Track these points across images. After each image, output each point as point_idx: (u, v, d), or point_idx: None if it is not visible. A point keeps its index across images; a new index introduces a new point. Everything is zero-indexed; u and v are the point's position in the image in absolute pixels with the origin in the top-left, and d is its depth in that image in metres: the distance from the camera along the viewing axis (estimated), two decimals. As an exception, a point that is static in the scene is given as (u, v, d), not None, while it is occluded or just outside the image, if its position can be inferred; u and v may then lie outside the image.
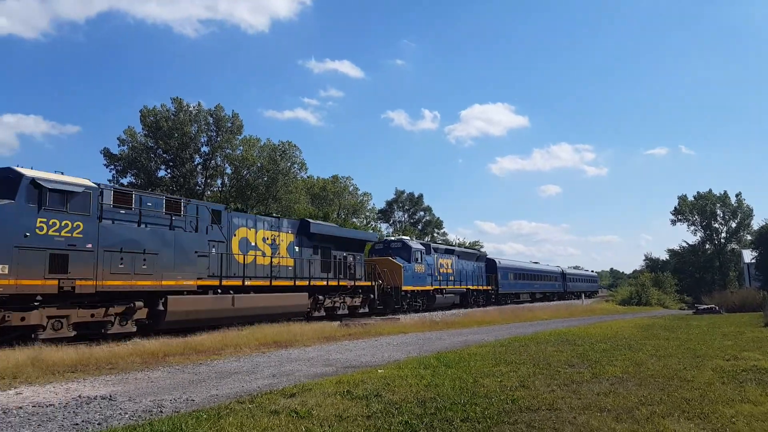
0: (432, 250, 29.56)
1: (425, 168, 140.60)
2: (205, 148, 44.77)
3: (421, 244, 29.35)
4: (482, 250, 60.00)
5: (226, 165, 45.80)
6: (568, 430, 5.16)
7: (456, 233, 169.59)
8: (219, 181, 46.62)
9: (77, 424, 5.55)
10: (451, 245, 40.35)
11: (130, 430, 5.10)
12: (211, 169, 45.08)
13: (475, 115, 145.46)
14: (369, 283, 24.61)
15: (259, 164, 44.53)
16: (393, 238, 29.74)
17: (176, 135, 42.27)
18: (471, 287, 33.98)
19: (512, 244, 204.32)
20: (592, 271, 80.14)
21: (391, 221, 72.37)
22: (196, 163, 44.72)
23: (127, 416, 5.87)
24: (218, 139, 44.29)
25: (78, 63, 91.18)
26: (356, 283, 23.45)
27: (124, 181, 42.64)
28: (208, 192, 45.02)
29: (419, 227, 72.75)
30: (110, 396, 6.97)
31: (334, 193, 55.22)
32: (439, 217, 75.47)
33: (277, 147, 45.83)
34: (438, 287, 29.23)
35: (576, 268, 72.84)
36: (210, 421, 5.42)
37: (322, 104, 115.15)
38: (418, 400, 6.38)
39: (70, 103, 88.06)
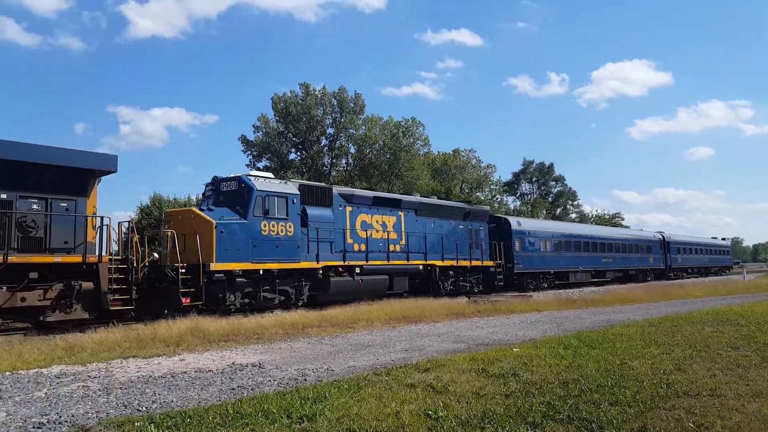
0: (340, 198, 18.28)
1: (554, 136, 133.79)
2: (330, 130, 46.76)
3: (294, 184, 17.15)
4: (622, 221, 52.78)
5: (350, 145, 47.44)
6: (736, 419, 4.66)
7: (591, 204, 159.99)
8: (344, 161, 48.51)
9: (233, 388, 6.18)
10: (409, 195, 23.84)
11: (280, 396, 5.56)
12: (336, 150, 47.01)
13: (608, 75, 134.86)
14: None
15: (380, 142, 45.49)
16: (229, 176, 16.00)
17: (304, 119, 44.61)
18: (444, 262, 21.66)
19: (656, 215, 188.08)
20: (723, 239, 63.28)
21: (518, 193, 70.15)
22: (322, 144, 46.93)
23: (275, 383, 6.41)
24: (342, 120, 45.94)
25: (213, 56, 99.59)
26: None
27: (260, 165, 46.10)
28: (334, 172, 47.08)
29: (549, 199, 69.68)
30: (260, 364, 7.65)
31: (456, 168, 54.74)
32: (571, 188, 71.65)
33: (400, 124, 46.40)
34: (341, 263, 17.52)
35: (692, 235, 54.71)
36: (351, 391, 5.72)
37: (440, 77, 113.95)
38: (560, 381, 6.16)
39: (208, 94, 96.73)
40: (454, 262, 22.34)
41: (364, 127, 46.43)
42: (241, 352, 8.89)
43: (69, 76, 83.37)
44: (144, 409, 5.26)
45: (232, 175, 15.97)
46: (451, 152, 55.87)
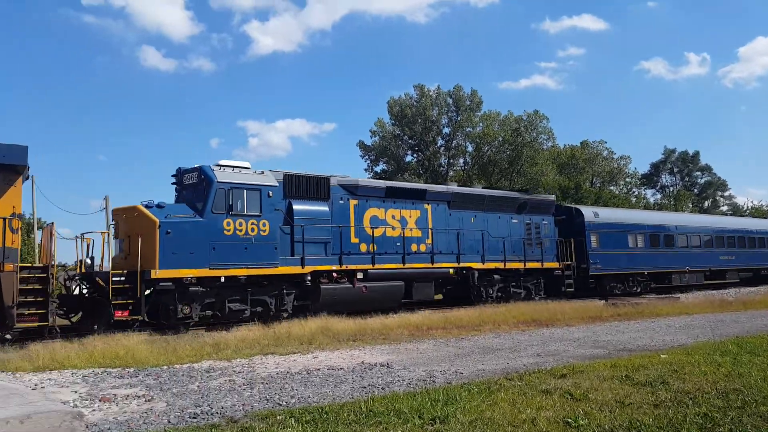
0: (341, 190, 15.52)
1: (697, 121, 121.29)
2: (446, 130, 46.66)
3: (273, 174, 14.35)
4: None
5: (467, 143, 46.96)
6: None
7: (747, 195, 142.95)
8: (461, 161, 48.15)
9: (364, 387, 6.37)
10: (439, 185, 21.33)
11: (410, 396, 5.63)
12: (453, 149, 46.81)
13: (759, 51, 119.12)
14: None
15: (500, 138, 44.47)
16: (191, 167, 13.76)
17: (419, 120, 45.01)
18: (485, 265, 17.92)
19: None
20: None
21: (659, 186, 64.63)
22: (438, 145, 46.97)
23: (405, 383, 6.50)
24: (458, 118, 45.65)
25: (329, 66, 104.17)
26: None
27: (377, 169, 47.28)
28: (451, 172, 46.89)
29: (695, 191, 63.38)
30: (387, 364, 7.82)
31: (585, 161, 51.79)
32: (720, 177, 64.53)
33: (521, 118, 45.06)
34: (335, 267, 14.72)
35: None
36: (482, 395, 5.63)
37: (561, 66, 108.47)
38: (718, 391, 5.57)
39: (326, 104, 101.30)
40: (500, 264, 18.29)
41: (481, 124, 45.72)
42: (369, 351, 9.14)
43: (203, 95, 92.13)
44: (284, 403, 5.61)
45: (195, 166, 13.55)
46: (579, 144, 53.06)
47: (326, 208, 14.99)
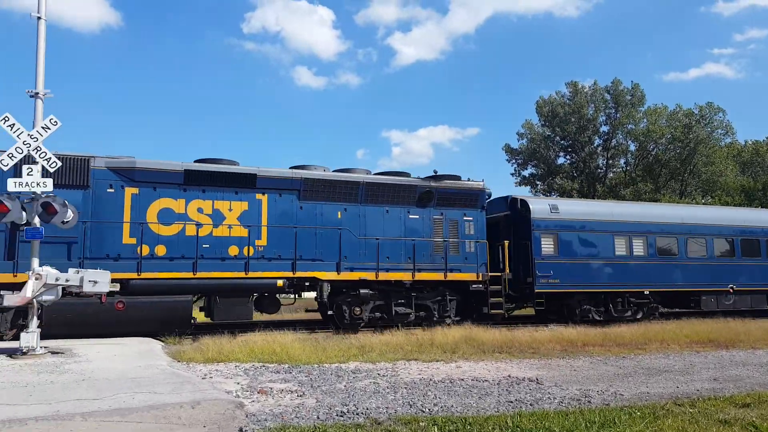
0: (109, 174, 12.51)
1: None
2: (604, 128, 43.82)
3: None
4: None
5: (629, 142, 43.60)
6: None
7: None
8: (622, 161, 44.83)
9: (511, 401, 6.18)
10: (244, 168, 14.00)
11: (561, 416, 5.35)
12: (612, 149, 43.77)
13: None
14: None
15: (668, 135, 40.61)
16: None
17: (573, 119, 42.83)
18: (341, 275, 13.80)
19: None
20: None
21: None
22: (595, 145, 44.25)
23: (556, 401, 6.19)
24: (617, 115, 42.61)
25: (472, 70, 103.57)
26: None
27: (525, 173, 45.90)
28: (610, 174, 43.84)
29: None
30: (537, 379, 7.51)
31: (775, 158, 45.23)
32: None
33: (692, 112, 40.77)
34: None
35: None
36: (645, 420, 5.16)
37: (740, 51, 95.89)
38: None
39: (469, 109, 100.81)
40: (369, 275, 13.96)
41: (645, 120, 42.16)
42: (516, 365, 8.87)
43: (350, 108, 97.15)
44: (426, 410, 5.66)
45: None
46: (765, 140, 46.56)
47: (79, 199, 11.87)
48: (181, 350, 9.77)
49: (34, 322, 9.12)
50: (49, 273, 9.08)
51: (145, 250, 12.34)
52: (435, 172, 15.24)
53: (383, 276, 14.01)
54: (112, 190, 12.50)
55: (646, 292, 17.11)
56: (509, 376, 7.78)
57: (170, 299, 12.19)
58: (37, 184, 9.20)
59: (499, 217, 16.92)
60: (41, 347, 9.03)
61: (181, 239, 12.72)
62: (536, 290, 15.60)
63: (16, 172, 9.72)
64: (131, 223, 12.36)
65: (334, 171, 14.73)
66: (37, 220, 9.29)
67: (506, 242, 15.52)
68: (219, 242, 12.98)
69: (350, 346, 10.21)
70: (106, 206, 12.31)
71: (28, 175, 9.15)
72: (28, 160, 9.39)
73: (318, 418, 5.31)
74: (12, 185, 9.08)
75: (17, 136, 9.13)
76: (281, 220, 13.65)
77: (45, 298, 9.20)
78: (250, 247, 13.21)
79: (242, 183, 13.43)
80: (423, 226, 14.91)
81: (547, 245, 16.16)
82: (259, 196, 13.59)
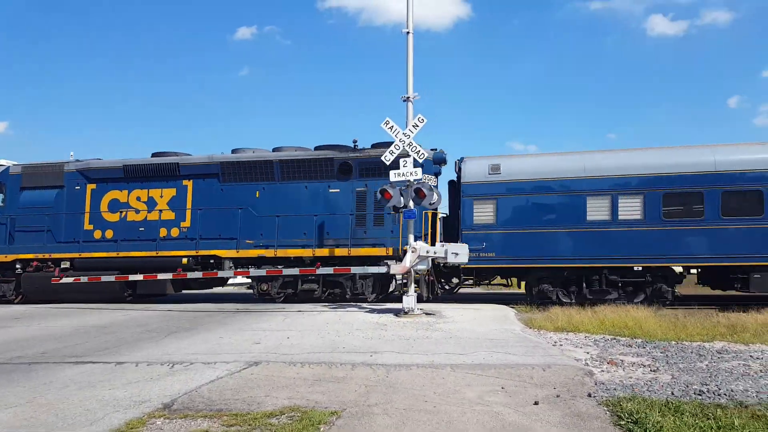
0: (77, 175, 16.41)
1: None
2: None
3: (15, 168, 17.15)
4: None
5: None
6: None
7: None
8: None
9: None
10: None
11: None
12: None
13: None
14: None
15: None
16: None
17: None
18: (239, 252, 14.75)
19: None
20: None
21: None
22: None
23: None
24: None
25: None
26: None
27: None
28: None
29: None
30: None
31: None
32: None
33: None
34: (45, 256, 16.04)
35: None
36: None
37: None
38: None
39: None
40: (268, 252, 14.56)
41: None
42: None
43: (712, 53, 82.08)
44: (813, 401, 4.91)
45: None
46: None
47: (52, 197, 15.96)
48: (532, 318, 10.58)
49: (412, 288, 11.28)
50: (421, 246, 11.19)
51: (97, 234, 15.54)
52: (354, 141, 14.74)
53: (281, 253, 14.49)
54: (79, 188, 15.99)
55: (638, 268, 13.14)
56: None
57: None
58: (411, 174, 11.28)
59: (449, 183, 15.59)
60: (418, 309, 11.11)
61: (125, 224, 15.52)
62: (464, 265, 13.22)
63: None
64: (91, 213, 15.68)
65: (272, 150, 15.49)
66: (411, 203, 11.43)
67: (431, 213, 13.95)
68: (152, 225, 15.30)
69: (716, 324, 9.32)
70: (76, 201, 15.85)
71: (404, 166, 11.31)
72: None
73: (672, 393, 5.21)
74: (393, 176, 11.42)
75: (395, 135, 11.39)
76: (205, 203, 15.21)
77: (419, 267, 11.51)
78: (175, 228, 15.29)
79: (168, 172, 15.55)
80: (345, 199, 14.69)
81: (483, 213, 14.03)
82: (185, 182, 15.49)
